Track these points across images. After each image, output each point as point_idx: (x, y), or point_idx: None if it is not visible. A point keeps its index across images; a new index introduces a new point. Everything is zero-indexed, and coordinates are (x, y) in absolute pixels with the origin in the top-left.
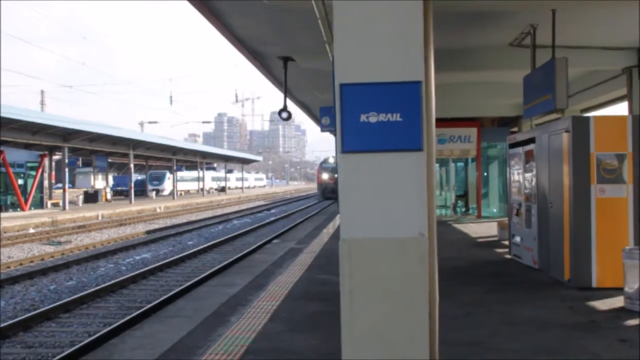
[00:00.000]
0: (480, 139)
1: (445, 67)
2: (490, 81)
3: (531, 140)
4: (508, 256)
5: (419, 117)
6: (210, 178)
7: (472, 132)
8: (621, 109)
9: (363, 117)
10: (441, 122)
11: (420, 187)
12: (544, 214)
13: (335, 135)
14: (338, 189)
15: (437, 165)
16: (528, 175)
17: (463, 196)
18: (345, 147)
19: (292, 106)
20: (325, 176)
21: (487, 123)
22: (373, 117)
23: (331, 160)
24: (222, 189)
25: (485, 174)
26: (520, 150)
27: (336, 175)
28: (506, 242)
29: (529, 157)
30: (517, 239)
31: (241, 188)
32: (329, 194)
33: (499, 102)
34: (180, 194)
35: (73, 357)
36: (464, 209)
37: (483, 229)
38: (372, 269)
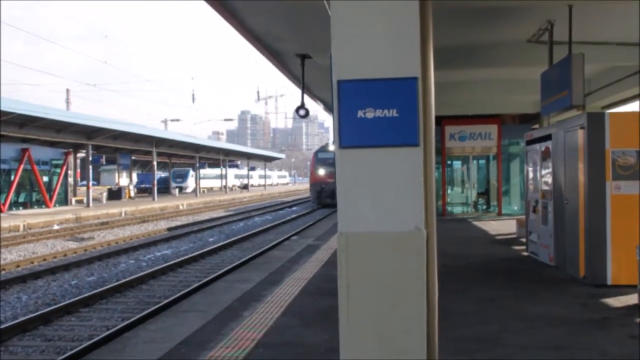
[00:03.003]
0: (500, 136)
1: (462, 64)
2: (510, 78)
3: (548, 137)
4: (525, 253)
5: (415, 112)
6: (233, 175)
7: (493, 129)
8: None
9: (360, 113)
10: (461, 119)
11: (417, 181)
12: (560, 211)
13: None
14: (337, 192)
15: (459, 162)
16: (545, 172)
17: (484, 194)
18: (343, 142)
19: (313, 104)
20: (322, 172)
21: (508, 120)
22: (370, 113)
23: (331, 148)
24: (245, 187)
25: (506, 171)
26: (537, 147)
27: None
28: (524, 240)
29: (545, 154)
30: (534, 236)
31: (264, 185)
32: (327, 198)
33: (519, 99)
34: (203, 192)
35: (89, 351)
36: (485, 207)
37: (502, 227)
38: (369, 262)
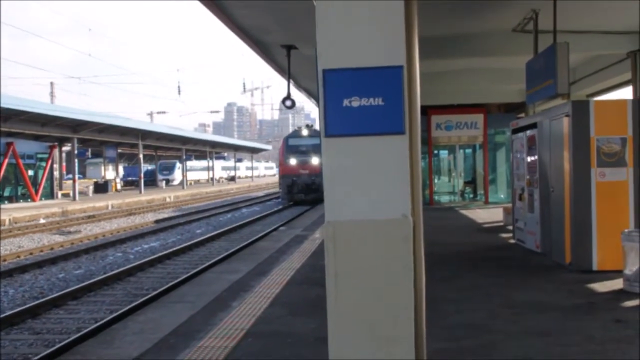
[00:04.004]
0: (486, 125)
1: (448, 54)
2: (495, 67)
3: (533, 126)
4: (512, 241)
5: (400, 101)
6: (220, 167)
7: (479, 118)
8: (627, 93)
9: (346, 102)
10: (447, 108)
11: (403, 169)
12: (546, 199)
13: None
14: (323, 180)
15: (446, 152)
16: (530, 160)
17: (471, 182)
18: (329, 131)
19: (299, 95)
20: (293, 162)
21: (494, 109)
22: (355, 102)
23: (305, 133)
24: (232, 178)
25: (493, 160)
26: (523, 135)
27: (314, 161)
28: (511, 228)
29: (531, 142)
30: (521, 223)
31: (251, 177)
32: (299, 193)
33: (504, 88)
34: (190, 184)
35: (78, 343)
36: (471, 195)
37: (489, 215)
38: (356, 251)
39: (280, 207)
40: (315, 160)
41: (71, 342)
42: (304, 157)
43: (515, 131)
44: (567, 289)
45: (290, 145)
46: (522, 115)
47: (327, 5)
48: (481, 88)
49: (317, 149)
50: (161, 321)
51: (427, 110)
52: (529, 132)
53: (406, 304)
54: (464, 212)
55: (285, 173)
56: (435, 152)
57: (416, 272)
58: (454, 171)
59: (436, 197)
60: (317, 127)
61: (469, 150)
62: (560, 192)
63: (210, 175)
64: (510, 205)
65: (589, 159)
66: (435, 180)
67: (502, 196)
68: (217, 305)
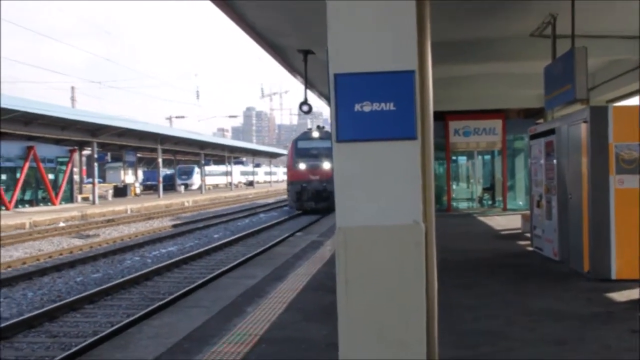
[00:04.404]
0: (505, 131)
1: (466, 59)
2: (514, 72)
3: (551, 132)
4: (530, 248)
5: (412, 106)
6: (238, 172)
7: (497, 124)
8: None
9: (357, 107)
10: (465, 114)
11: (414, 175)
12: (564, 206)
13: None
14: (334, 186)
15: (464, 158)
16: (548, 166)
17: (489, 189)
18: (340, 136)
19: (316, 100)
20: (302, 166)
21: (513, 115)
22: (367, 107)
23: (315, 135)
24: (250, 183)
25: (511, 166)
26: (541, 141)
27: (325, 165)
28: (529, 235)
29: (549, 148)
30: (539, 231)
31: (269, 182)
32: (309, 201)
33: (523, 94)
34: (209, 188)
35: (93, 347)
36: (490, 202)
37: (507, 222)
38: (368, 256)
39: (298, 212)
40: (326, 165)
41: (87, 346)
42: (314, 162)
43: (533, 137)
44: (585, 297)
45: (300, 149)
46: (542, 120)
47: (338, 7)
48: (500, 93)
49: (329, 153)
50: (176, 325)
51: (445, 116)
52: (547, 138)
53: (417, 310)
54: (482, 218)
55: (294, 179)
56: (454, 158)
57: (428, 278)
58: (472, 177)
59: (454, 204)
60: (328, 129)
61: (487, 157)
62: (579, 199)
63: (229, 180)
64: (528, 212)
65: (608, 165)
66: (454, 187)
67: (520, 203)
68: (232, 310)
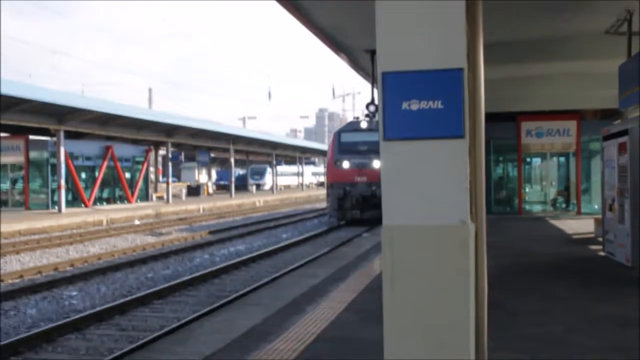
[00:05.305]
0: (580, 132)
1: (537, 58)
2: (589, 71)
3: (624, 132)
4: (602, 253)
5: (460, 104)
6: (310, 173)
7: (572, 125)
8: None
9: (405, 105)
10: (538, 115)
11: (462, 174)
12: (637, 209)
13: None
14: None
15: (537, 160)
16: (621, 168)
17: (564, 191)
18: (387, 134)
19: None
20: (346, 165)
21: (588, 116)
22: (415, 105)
23: (363, 126)
24: (322, 184)
25: (587, 168)
26: (614, 143)
27: (375, 164)
28: (602, 239)
29: (622, 150)
30: (611, 235)
31: None
32: (354, 209)
33: (600, 94)
34: (280, 189)
35: (154, 341)
36: (563, 205)
37: (580, 226)
38: (413, 255)
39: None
40: (377, 164)
41: (151, 340)
42: (361, 159)
43: (606, 138)
44: None
45: (344, 143)
46: (619, 121)
47: (387, 6)
48: (574, 93)
49: (378, 147)
50: (236, 322)
51: (517, 117)
52: (619, 139)
53: (463, 311)
54: (554, 222)
55: (336, 180)
56: (528, 160)
57: (478, 280)
58: (545, 180)
59: (527, 207)
60: None
61: (562, 159)
62: None
63: (300, 181)
64: (601, 216)
65: None
66: (526, 189)
67: (596, 207)
68: (292, 309)
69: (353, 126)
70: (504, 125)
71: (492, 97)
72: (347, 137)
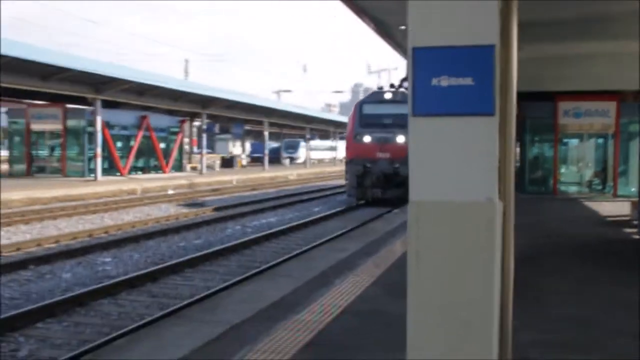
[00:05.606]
0: (619, 113)
1: (578, 36)
2: (630, 52)
3: None
4: (636, 237)
5: (491, 81)
6: (343, 147)
7: (611, 106)
8: None
9: (434, 81)
10: (577, 94)
11: (490, 152)
12: None
13: None
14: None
15: (575, 140)
16: None
17: (601, 172)
18: (416, 110)
19: None
20: (368, 139)
21: (629, 98)
22: (444, 81)
23: (387, 97)
24: None
25: (625, 150)
26: None
27: (399, 139)
28: (637, 222)
29: None
30: None
31: None
32: (375, 188)
33: None
34: (314, 163)
35: (183, 308)
36: (600, 187)
37: (616, 208)
38: (439, 231)
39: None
40: (400, 139)
41: (180, 307)
42: (384, 133)
43: None
44: None
45: (365, 115)
46: None
47: None
48: (614, 74)
49: (404, 122)
50: (265, 292)
51: (555, 96)
52: None
53: (487, 289)
54: (588, 203)
55: (355, 155)
56: (565, 140)
57: (504, 259)
58: (581, 161)
59: (562, 187)
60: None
61: (600, 140)
62: None
63: (333, 155)
64: (638, 199)
65: None
66: (562, 170)
67: (633, 189)
68: (321, 281)
69: (376, 97)
70: (541, 105)
71: (530, 76)
72: (369, 109)
